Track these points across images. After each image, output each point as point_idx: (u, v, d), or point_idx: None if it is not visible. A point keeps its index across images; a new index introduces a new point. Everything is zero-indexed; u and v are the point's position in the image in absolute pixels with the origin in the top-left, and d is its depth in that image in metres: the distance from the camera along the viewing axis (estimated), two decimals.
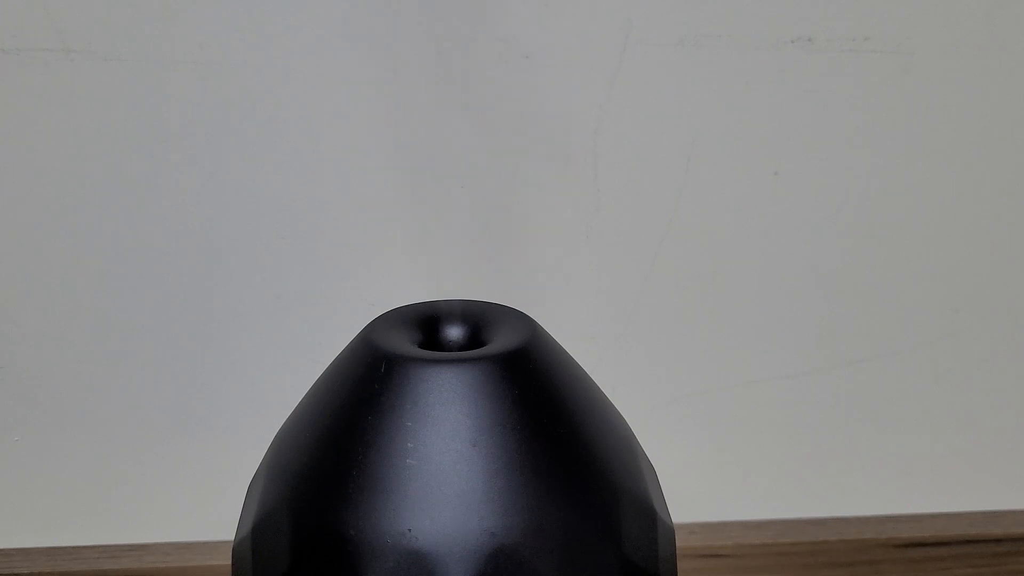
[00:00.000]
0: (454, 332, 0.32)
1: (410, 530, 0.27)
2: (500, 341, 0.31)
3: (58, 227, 0.46)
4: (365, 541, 0.27)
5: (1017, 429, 0.53)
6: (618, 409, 0.34)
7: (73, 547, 0.50)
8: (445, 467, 0.28)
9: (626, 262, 0.48)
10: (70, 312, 0.47)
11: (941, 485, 0.54)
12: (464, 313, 0.33)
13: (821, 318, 0.50)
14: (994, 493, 0.54)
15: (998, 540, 0.53)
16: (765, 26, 0.45)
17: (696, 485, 0.52)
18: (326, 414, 0.30)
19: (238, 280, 0.47)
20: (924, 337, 0.51)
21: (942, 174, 0.48)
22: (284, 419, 0.33)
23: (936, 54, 0.46)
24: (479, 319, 0.32)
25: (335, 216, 0.46)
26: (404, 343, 0.31)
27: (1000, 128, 0.48)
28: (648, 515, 0.31)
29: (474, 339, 0.32)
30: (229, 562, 0.41)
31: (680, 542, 0.49)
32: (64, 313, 0.47)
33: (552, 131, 0.46)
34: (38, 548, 0.50)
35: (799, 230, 0.48)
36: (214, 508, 0.50)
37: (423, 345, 0.32)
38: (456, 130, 0.45)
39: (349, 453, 0.29)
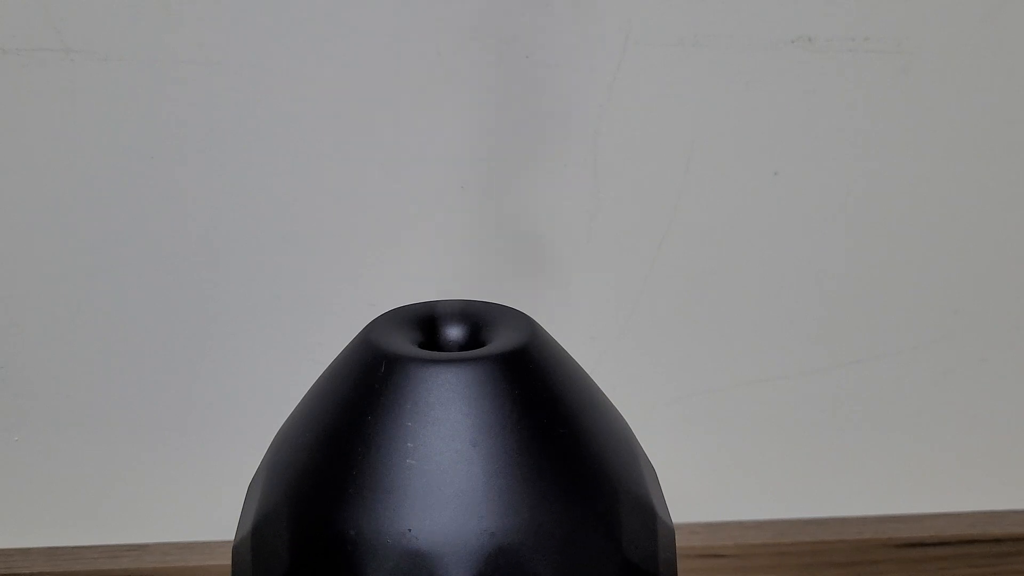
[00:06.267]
0: (454, 332, 0.32)
1: (410, 530, 0.27)
2: (500, 341, 0.31)
3: (58, 227, 0.46)
4: (365, 541, 0.27)
5: (1017, 429, 0.53)
6: (618, 409, 0.34)
7: (73, 547, 0.50)
8: (445, 467, 0.28)
9: (626, 262, 0.48)
10: (70, 312, 0.47)
11: (941, 485, 0.54)
12: (464, 313, 0.33)
13: (821, 318, 0.50)
14: (994, 493, 0.54)
15: (998, 540, 0.53)
16: (765, 26, 0.45)
17: (696, 485, 0.52)
18: (326, 414, 0.30)
19: (238, 280, 0.47)
20: (924, 337, 0.51)
21: (942, 174, 0.48)
22: (284, 419, 0.33)
23: (935, 54, 0.46)
24: (479, 319, 0.32)
25: (335, 216, 0.46)
26: (404, 343, 0.31)
27: (1000, 128, 0.48)
28: (648, 515, 0.31)
29: (474, 339, 0.32)
30: (229, 562, 0.41)
31: (680, 542, 0.49)
32: (64, 313, 0.47)
33: (552, 131, 0.46)
34: (38, 548, 0.50)
35: (799, 230, 0.48)
36: (214, 508, 0.50)
37: (423, 345, 0.32)
38: (456, 130, 0.45)
39: (349, 453, 0.29)
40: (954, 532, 0.52)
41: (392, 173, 0.46)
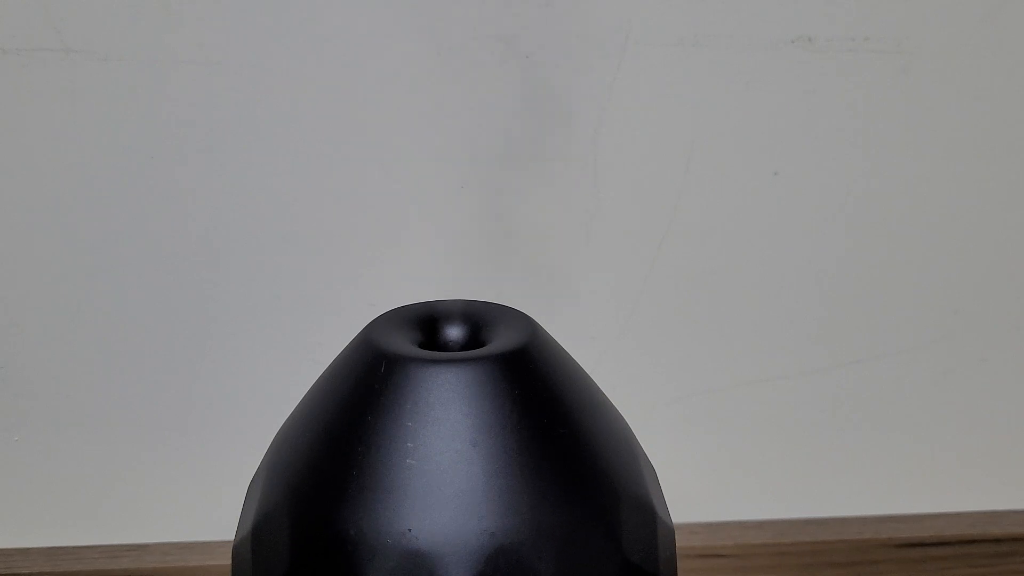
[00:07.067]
0: (454, 332, 0.32)
1: (410, 530, 0.27)
2: (500, 341, 0.31)
3: (58, 227, 0.46)
4: (365, 541, 0.27)
5: (1017, 429, 0.53)
6: (618, 409, 0.34)
7: (73, 547, 0.50)
8: (445, 467, 0.28)
9: (626, 262, 0.48)
10: (70, 312, 0.47)
11: (941, 485, 0.54)
12: (464, 313, 0.33)
13: (821, 318, 0.50)
14: (994, 493, 0.54)
15: (998, 540, 0.53)
16: (765, 26, 0.45)
17: (696, 485, 0.52)
18: (326, 414, 0.30)
19: (238, 280, 0.47)
20: (924, 337, 0.51)
21: (941, 174, 0.48)
22: (284, 419, 0.33)
23: (935, 54, 0.46)
24: (479, 319, 0.32)
25: (335, 216, 0.46)
26: (404, 343, 0.31)
27: (999, 128, 0.48)
28: (648, 515, 0.31)
29: (474, 339, 0.32)
30: (229, 562, 0.41)
31: (680, 542, 0.49)
32: (64, 313, 0.47)
33: (552, 131, 0.46)
34: (38, 548, 0.50)
35: (799, 230, 0.48)
36: (214, 508, 0.50)
37: (423, 345, 0.32)
38: (456, 130, 0.45)
39: (349, 453, 0.29)
40: (954, 532, 0.53)
41: (392, 173, 0.46)
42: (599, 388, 0.33)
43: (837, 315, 0.50)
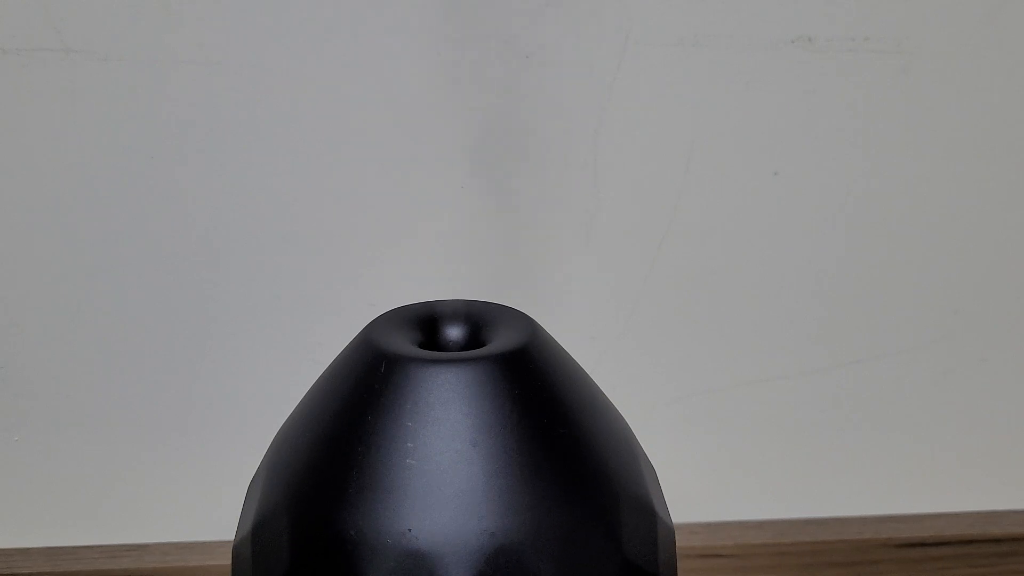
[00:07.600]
0: (454, 332, 0.32)
1: (410, 530, 0.27)
2: (500, 341, 0.31)
3: (58, 227, 0.46)
4: (365, 541, 0.27)
5: (1017, 429, 0.53)
6: (618, 409, 0.34)
7: (73, 547, 0.50)
8: (445, 467, 0.28)
9: (626, 262, 0.48)
10: (70, 312, 0.47)
11: (941, 485, 0.54)
12: (464, 313, 0.33)
13: (821, 318, 0.50)
14: (994, 493, 0.54)
15: (998, 540, 0.53)
16: (765, 26, 0.45)
17: (696, 485, 0.52)
18: (326, 414, 0.30)
19: (238, 280, 0.47)
20: (924, 337, 0.51)
21: (941, 174, 0.48)
22: (284, 419, 0.33)
23: (935, 54, 0.46)
24: (479, 319, 0.32)
25: (335, 216, 0.46)
26: (404, 343, 0.31)
27: (999, 128, 0.48)
28: (648, 515, 0.31)
29: (474, 339, 0.32)
30: (229, 562, 0.41)
31: (680, 542, 0.49)
32: (64, 313, 0.47)
33: (552, 131, 0.46)
34: (38, 548, 0.50)
35: (799, 230, 0.48)
36: (214, 508, 0.50)
37: (423, 345, 0.32)
38: (456, 130, 0.45)
39: (349, 453, 0.29)
40: (954, 532, 0.53)
41: (392, 173, 0.46)
42: (599, 388, 0.33)
43: (837, 315, 0.50)
